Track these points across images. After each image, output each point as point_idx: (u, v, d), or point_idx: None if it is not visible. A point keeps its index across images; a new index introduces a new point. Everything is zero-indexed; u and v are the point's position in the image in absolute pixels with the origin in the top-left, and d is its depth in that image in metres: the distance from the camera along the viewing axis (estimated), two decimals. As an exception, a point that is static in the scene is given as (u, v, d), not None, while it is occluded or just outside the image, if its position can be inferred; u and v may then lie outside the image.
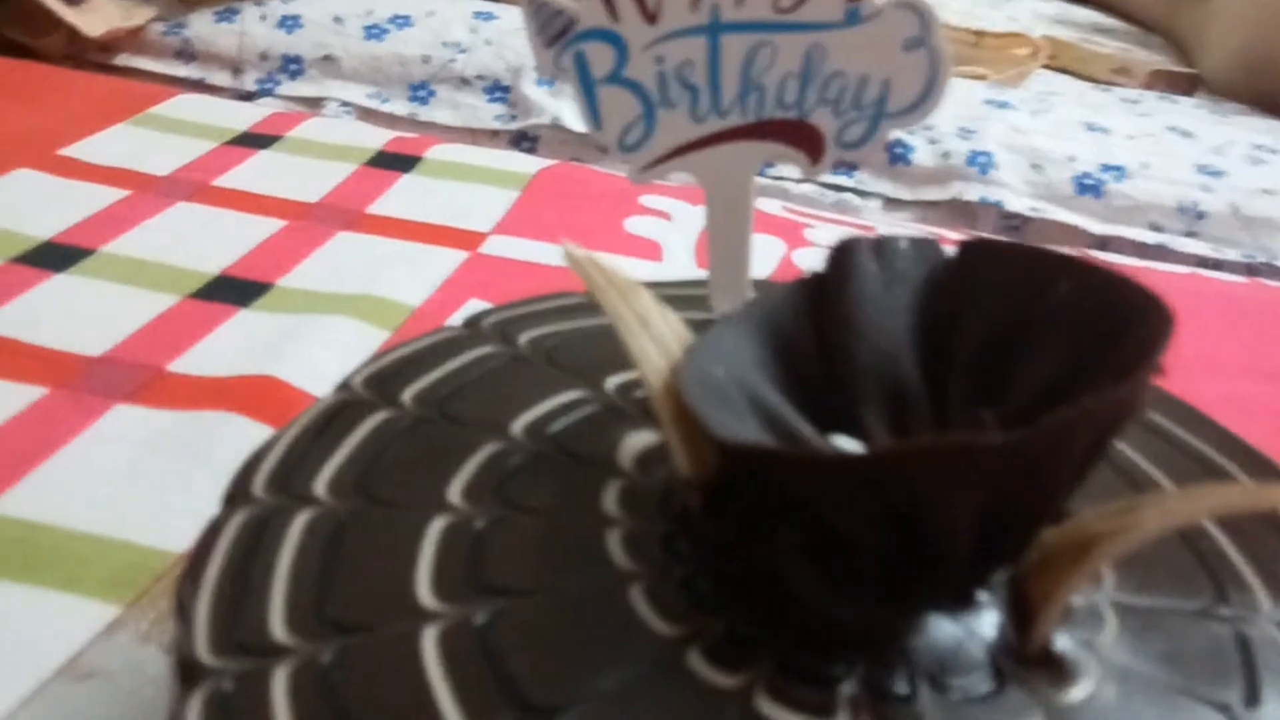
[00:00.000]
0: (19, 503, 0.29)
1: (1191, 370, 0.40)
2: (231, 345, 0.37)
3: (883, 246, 0.22)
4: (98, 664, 0.24)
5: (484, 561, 0.19)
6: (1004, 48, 0.76)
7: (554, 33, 0.27)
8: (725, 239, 0.29)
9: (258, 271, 0.41)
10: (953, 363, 0.21)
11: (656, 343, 0.21)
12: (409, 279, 0.42)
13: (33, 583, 0.26)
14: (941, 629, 0.18)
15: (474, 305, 0.40)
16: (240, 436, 0.32)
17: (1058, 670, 0.17)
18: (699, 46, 0.27)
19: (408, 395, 0.23)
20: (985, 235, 0.54)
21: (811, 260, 0.47)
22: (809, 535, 0.18)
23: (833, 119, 0.27)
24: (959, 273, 0.22)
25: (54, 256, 0.41)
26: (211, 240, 0.43)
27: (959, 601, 0.18)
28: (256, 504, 0.20)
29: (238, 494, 0.20)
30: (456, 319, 0.38)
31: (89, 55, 0.68)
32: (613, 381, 0.24)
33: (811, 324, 0.22)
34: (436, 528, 0.19)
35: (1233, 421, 0.25)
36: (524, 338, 0.26)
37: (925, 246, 0.22)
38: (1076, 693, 0.17)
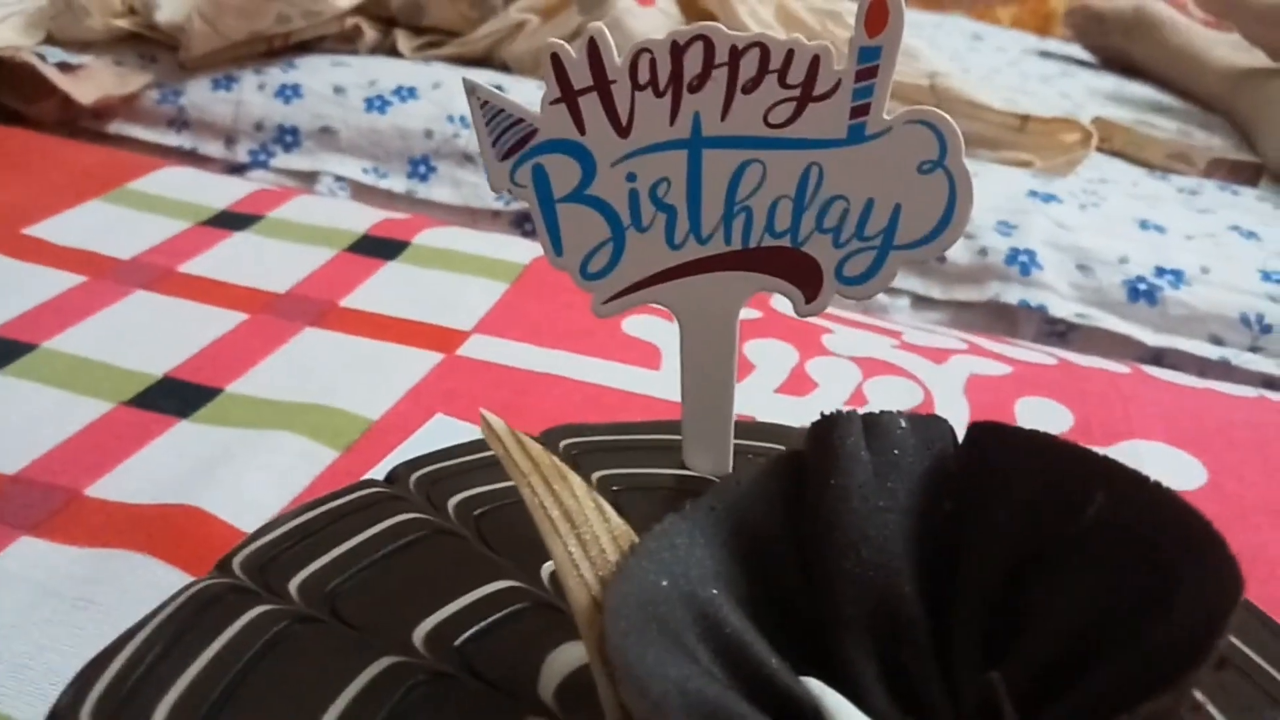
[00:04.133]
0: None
1: (1260, 528, 0.35)
2: (162, 464, 0.33)
3: (877, 428, 0.18)
4: None
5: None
6: (1052, 133, 0.72)
7: (511, 144, 0.24)
8: (703, 384, 0.25)
9: (206, 374, 0.38)
10: (959, 585, 0.17)
11: (586, 547, 0.17)
12: (373, 386, 0.38)
13: None
14: None
15: (439, 422, 0.36)
16: (147, 583, 0.27)
17: None
18: (677, 162, 0.23)
19: (295, 583, 0.19)
20: (1028, 345, 0.49)
21: (826, 374, 0.43)
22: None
23: (832, 249, 0.23)
24: (970, 468, 0.17)
25: (-10, 352, 0.38)
26: (163, 336, 0.40)
27: None
28: (73, 744, 0.16)
29: (55, 726, 0.16)
30: (412, 446, 0.34)
31: (82, 122, 0.66)
32: (550, 568, 0.20)
33: (788, 523, 0.18)
34: (290, 791, 0.15)
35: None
36: (454, 500, 0.22)
37: (929, 428, 0.18)
38: None
